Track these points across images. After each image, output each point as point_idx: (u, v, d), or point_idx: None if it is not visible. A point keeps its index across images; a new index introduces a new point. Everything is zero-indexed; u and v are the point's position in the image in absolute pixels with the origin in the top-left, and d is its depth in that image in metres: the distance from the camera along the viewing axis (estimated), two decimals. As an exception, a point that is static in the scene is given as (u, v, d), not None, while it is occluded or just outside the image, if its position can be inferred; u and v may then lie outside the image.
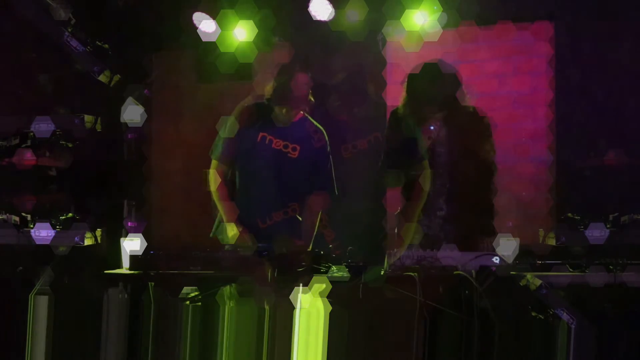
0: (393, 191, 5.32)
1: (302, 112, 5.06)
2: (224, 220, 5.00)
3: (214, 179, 5.05)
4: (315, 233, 5.09)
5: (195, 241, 5.15)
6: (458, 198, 4.87)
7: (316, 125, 5.11)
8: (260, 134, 5.04)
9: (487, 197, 4.86)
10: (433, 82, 4.78)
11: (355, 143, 5.70)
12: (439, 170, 4.89)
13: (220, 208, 5.03)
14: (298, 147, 5.04)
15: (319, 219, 5.11)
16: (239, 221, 4.98)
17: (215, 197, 5.04)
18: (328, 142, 5.12)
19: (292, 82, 4.96)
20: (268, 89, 5.05)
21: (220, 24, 5.38)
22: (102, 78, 5.39)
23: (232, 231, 4.94)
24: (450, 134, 4.89)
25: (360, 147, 5.69)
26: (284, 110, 4.99)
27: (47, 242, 4.87)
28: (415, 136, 4.86)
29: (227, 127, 5.06)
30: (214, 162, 5.08)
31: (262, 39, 5.47)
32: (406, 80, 4.88)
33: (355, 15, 5.24)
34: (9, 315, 4.68)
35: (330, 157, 5.12)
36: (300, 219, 5.08)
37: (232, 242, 4.89)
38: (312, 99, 5.01)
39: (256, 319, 4.17)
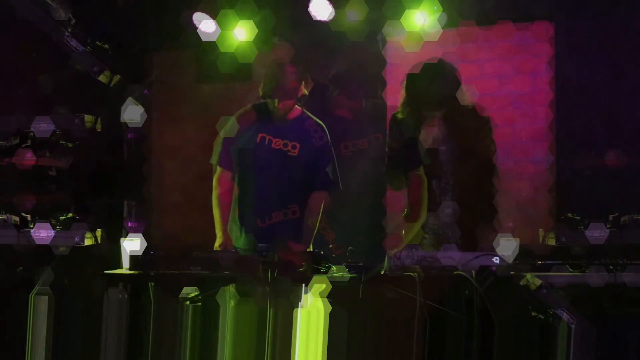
0: (395, 192, 5.31)
1: (300, 108, 5.05)
2: (216, 226, 5.00)
3: (216, 186, 5.05)
4: (315, 233, 5.09)
5: (195, 241, 5.15)
6: (461, 196, 4.86)
7: (317, 122, 5.09)
8: (260, 135, 5.03)
9: (488, 196, 4.86)
10: (432, 81, 4.77)
11: (356, 142, 5.70)
12: (442, 168, 4.89)
13: (215, 214, 5.03)
14: (298, 145, 5.03)
15: (319, 220, 5.11)
16: (238, 219, 5.00)
17: (214, 202, 5.05)
18: (329, 138, 5.10)
19: (279, 73, 4.96)
20: (261, 85, 5.06)
21: (220, 24, 5.38)
22: (102, 78, 5.40)
23: (219, 240, 4.96)
24: (450, 132, 4.88)
25: (361, 146, 5.69)
26: (275, 103, 4.98)
27: (47, 242, 4.87)
28: (414, 140, 4.85)
29: (228, 128, 5.06)
30: (217, 169, 5.09)
31: (262, 39, 5.46)
32: (405, 79, 4.88)
33: (355, 15, 5.24)
34: (9, 315, 4.68)
35: (333, 153, 5.11)
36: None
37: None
38: (306, 92, 5.01)
39: (256, 319, 4.17)
